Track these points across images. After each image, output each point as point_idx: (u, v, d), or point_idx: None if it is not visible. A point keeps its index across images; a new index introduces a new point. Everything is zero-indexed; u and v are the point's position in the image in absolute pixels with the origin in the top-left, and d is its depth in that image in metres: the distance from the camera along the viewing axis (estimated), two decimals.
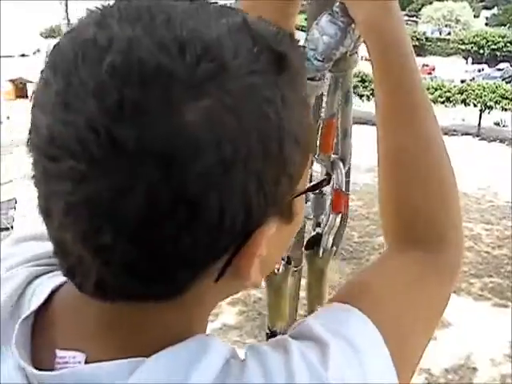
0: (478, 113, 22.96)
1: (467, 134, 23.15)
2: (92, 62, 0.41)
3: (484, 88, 22.81)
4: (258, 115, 0.42)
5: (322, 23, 0.82)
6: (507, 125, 24.41)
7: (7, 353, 0.50)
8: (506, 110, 22.40)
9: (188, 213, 0.41)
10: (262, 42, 0.44)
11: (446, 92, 23.11)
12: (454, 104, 23.15)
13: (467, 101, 22.80)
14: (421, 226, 0.71)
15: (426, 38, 49.64)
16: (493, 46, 45.54)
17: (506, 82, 28.88)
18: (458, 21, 51.57)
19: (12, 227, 11.40)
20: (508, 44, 45.46)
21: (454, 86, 23.82)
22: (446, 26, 51.87)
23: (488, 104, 22.39)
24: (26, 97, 27.71)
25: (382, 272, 0.68)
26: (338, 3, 0.80)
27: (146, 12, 0.43)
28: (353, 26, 0.80)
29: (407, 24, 54.66)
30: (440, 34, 51.54)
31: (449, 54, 47.22)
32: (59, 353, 0.49)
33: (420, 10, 57.62)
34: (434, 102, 23.09)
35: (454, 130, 23.74)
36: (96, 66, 0.40)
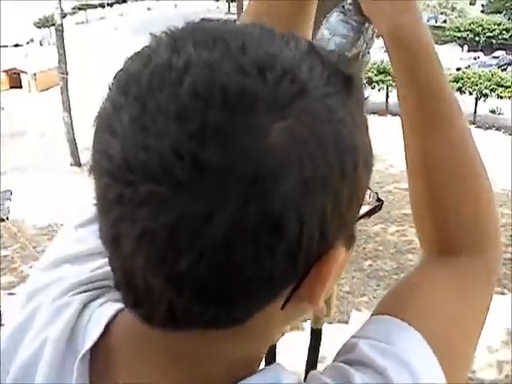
0: (474, 100, 22.95)
1: None
2: (170, 85, 0.40)
3: (480, 76, 22.82)
4: (335, 135, 0.43)
5: (333, 22, 0.76)
6: (503, 112, 24.42)
7: None
8: (501, 97, 22.40)
9: (270, 233, 0.40)
10: (330, 65, 0.45)
11: None
12: None
13: (463, 89, 22.81)
14: (459, 231, 0.70)
15: None
16: (488, 34, 45.41)
17: (502, 70, 28.86)
18: (453, 8, 51.37)
19: (7, 218, 11.38)
20: (504, 32, 45.33)
21: (450, 74, 23.76)
22: (441, 13, 51.69)
23: (484, 92, 22.39)
24: (20, 87, 27.57)
25: (426, 281, 0.66)
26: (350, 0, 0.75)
27: (220, 37, 0.43)
28: (366, 25, 0.75)
29: None
30: (436, 21, 51.36)
31: (445, 42, 47.11)
32: None
33: None
34: None
35: None
36: (174, 88, 0.40)
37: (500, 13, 52.22)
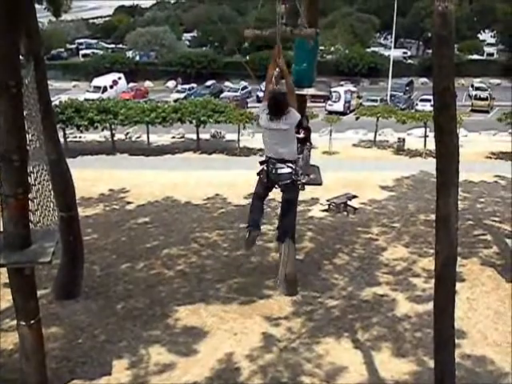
0: (195, 128, 24.20)
1: (188, 150, 24.40)
2: None
3: (196, 105, 24.10)
4: None
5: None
6: (224, 136, 26.24)
7: None
8: (218, 122, 23.98)
9: None
10: None
11: (161, 112, 23.93)
12: (171, 123, 24.03)
13: (183, 118, 23.86)
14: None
15: (136, 64, 50.81)
16: (198, 66, 48.61)
17: (215, 97, 30.99)
18: (162, 44, 53.65)
19: None
20: (211, 62, 48.97)
21: (169, 106, 24.71)
22: (152, 50, 53.58)
23: (202, 119, 23.70)
24: None
25: None
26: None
27: None
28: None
29: (113, 52, 55.15)
30: (148, 58, 53.14)
31: (159, 77, 49.07)
32: None
33: (124, 36, 58.47)
34: (152, 124, 23.85)
35: (176, 148, 24.67)
36: None
37: (205, 46, 56.23)
